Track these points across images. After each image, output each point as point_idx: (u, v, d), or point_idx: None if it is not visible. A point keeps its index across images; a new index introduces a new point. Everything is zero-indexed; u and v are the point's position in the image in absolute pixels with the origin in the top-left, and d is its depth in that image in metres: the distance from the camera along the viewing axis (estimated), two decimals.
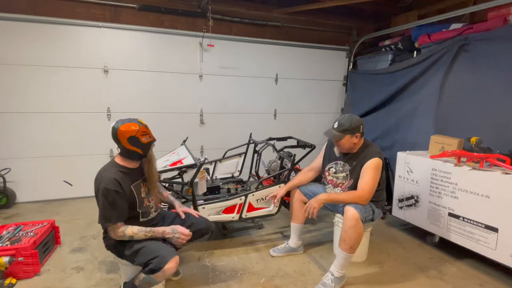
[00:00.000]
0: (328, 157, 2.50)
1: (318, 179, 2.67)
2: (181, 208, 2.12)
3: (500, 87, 2.86)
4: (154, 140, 1.87)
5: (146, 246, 1.77)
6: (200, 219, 2.09)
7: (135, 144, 1.78)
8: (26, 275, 2.18)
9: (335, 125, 2.26)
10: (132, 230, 1.77)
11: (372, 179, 2.16)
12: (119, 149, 1.82)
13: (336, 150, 2.41)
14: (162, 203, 2.29)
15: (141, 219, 1.89)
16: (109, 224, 1.74)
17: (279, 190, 2.65)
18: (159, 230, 1.84)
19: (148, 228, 1.82)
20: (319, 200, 2.20)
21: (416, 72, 3.61)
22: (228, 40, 4.24)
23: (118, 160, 1.85)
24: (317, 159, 2.62)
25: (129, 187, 1.80)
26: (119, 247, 1.83)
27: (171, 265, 1.69)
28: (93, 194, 1.82)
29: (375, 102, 4.15)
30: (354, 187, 2.27)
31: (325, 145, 2.61)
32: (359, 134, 2.25)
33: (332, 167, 2.44)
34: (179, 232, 1.87)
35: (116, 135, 1.75)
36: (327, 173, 2.48)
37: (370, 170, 2.18)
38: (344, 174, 2.35)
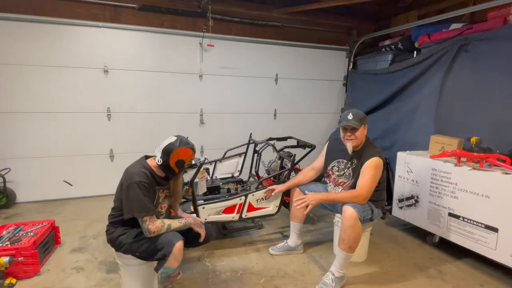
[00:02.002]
0: (331, 156, 2.50)
1: (319, 178, 2.67)
2: (184, 214, 2.15)
3: (500, 87, 2.86)
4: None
5: None
6: None
7: (179, 166, 1.85)
8: (26, 275, 2.18)
9: (350, 117, 2.21)
10: (168, 220, 1.85)
11: (371, 178, 2.16)
12: (160, 160, 1.83)
13: (349, 148, 2.29)
14: None
15: None
16: (147, 215, 1.75)
17: (279, 185, 2.62)
18: (190, 219, 1.95)
19: (180, 218, 1.93)
20: (317, 199, 2.18)
21: (416, 72, 3.61)
22: (228, 40, 4.24)
23: (151, 164, 1.88)
24: (319, 159, 2.61)
25: (154, 187, 1.86)
26: (123, 238, 1.83)
27: (178, 245, 1.72)
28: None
29: (375, 102, 4.15)
30: (354, 186, 2.27)
31: (326, 144, 2.61)
32: (367, 125, 2.29)
33: (334, 165, 2.44)
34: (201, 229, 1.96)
35: (170, 152, 1.80)
36: (330, 172, 2.47)
37: (370, 169, 2.18)
38: (346, 173, 2.35)
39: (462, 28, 3.27)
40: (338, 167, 2.41)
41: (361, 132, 2.24)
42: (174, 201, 2.06)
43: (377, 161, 2.19)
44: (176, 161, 1.82)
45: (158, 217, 1.91)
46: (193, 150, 1.87)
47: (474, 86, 3.07)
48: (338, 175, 2.41)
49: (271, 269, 2.40)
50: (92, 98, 3.76)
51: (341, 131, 2.30)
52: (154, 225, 1.75)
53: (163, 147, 1.82)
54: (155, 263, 1.88)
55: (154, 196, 1.86)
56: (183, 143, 1.83)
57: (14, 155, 3.54)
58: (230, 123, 4.46)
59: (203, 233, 1.95)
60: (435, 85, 3.34)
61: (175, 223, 1.85)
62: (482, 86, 3.00)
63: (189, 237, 1.98)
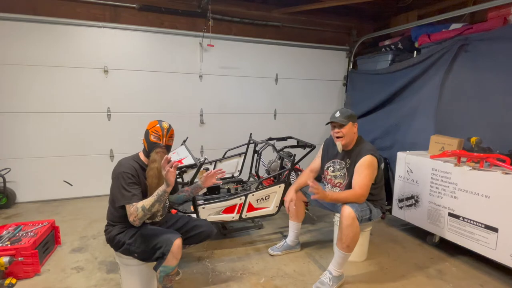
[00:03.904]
0: (326, 156, 2.52)
1: (318, 179, 2.67)
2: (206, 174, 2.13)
3: (500, 87, 2.86)
4: (161, 145, 1.86)
5: (148, 232, 1.80)
6: (202, 222, 2.08)
7: (145, 137, 1.89)
8: (26, 275, 2.18)
9: (337, 114, 2.28)
10: (141, 203, 1.73)
11: (366, 176, 2.17)
12: (143, 145, 1.90)
13: (338, 146, 2.33)
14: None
15: (146, 220, 1.93)
16: (128, 203, 1.73)
17: (290, 193, 2.49)
18: (160, 189, 1.74)
19: (153, 195, 1.77)
20: (324, 195, 2.07)
21: (416, 72, 3.61)
22: (228, 40, 4.24)
23: (140, 154, 1.94)
24: (316, 160, 2.63)
25: (143, 179, 1.86)
26: (121, 237, 1.82)
27: (177, 243, 1.72)
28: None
29: (375, 102, 4.15)
30: (350, 186, 2.29)
31: (322, 145, 2.62)
32: (356, 124, 2.30)
33: (330, 166, 2.45)
34: (168, 168, 1.70)
35: (145, 131, 1.91)
36: (325, 173, 2.49)
37: (363, 168, 2.19)
38: (341, 173, 2.37)
39: (462, 28, 3.27)
40: (333, 167, 2.43)
41: (349, 129, 2.26)
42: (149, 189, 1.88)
43: (370, 159, 2.20)
44: (144, 132, 1.89)
45: (155, 216, 1.93)
46: (159, 122, 1.89)
47: (474, 86, 3.07)
48: (333, 176, 2.42)
49: (271, 269, 2.40)
50: (92, 98, 3.76)
51: (331, 129, 2.36)
52: (130, 211, 1.72)
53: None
54: (155, 263, 1.89)
55: (143, 187, 1.85)
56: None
57: (14, 155, 3.55)
58: (230, 123, 4.46)
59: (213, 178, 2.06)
60: (435, 85, 3.34)
61: (149, 200, 1.72)
62: (482, 86, 3.00)
63: (189, 235, 1.98)
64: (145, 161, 1.90)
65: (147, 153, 1.88)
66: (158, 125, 1.87)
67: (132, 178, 1.78)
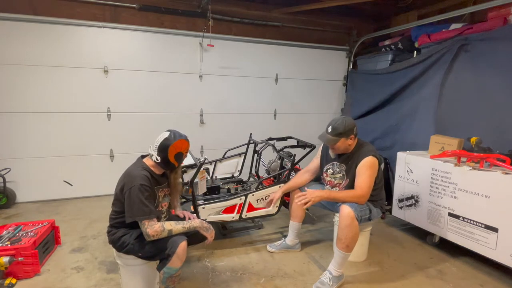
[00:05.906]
0: (325, 159, 2.52)
1: (318, 179, 2.67)
2: (186, 213, 2.14)
3: (500, 87, 2.86)
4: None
5: None
6: None
7: (178, 159, 1.87)
8: (26, 275, 2.18)
9: (329, 129, 2.27)
10: (169, 224, 1.79)
11: (369, 177, 2.17)
12: (158, 158, 1.82)
13: (331, 153, 2.44)
14: None
15: None
16: (147, 218, 1.73)
17: (275, 194, 2.64)
18: (196, 222, 1.89)
19: (184, 221, 1.87)
20: (318, 196, 2.15)
21: (416, 72, 3.61)
22: (228, 40, 4.24)
23: (149, 164, 1.88)
24: (314, 161, 2.63)
25: (153, 188, 1.85)
26: (126, 238, 1.82)
27: (182, 245, 1.72)
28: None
29: (375, 102, 4.15)
30: (350, 186, 2.29)
31: (321, 146, 2.62)
32: (353, 136, 2.27)
33: (329, 168, 2.45)
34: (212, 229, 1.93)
35: (167, 147, 1.80)
36: (325, 174, 2.49)
37: (366, 168, 2.18)
38: (340, 174, 2.37)
39: (462, 28, 3.27)
40: (333, 169, 2.43)
41: (341, 144, 2.26)
42: (173, 195, 2.04)
43: (372, 160, 2.20)
44: (175, 154, 1.83)
45: (159, 218, 1.91)
46: (188, 141, 1.90)
47: (474, 86, 3.07)
48: (333, 178, 2.42)
49: (271, 269, 2.40)
50: (92, 98, 3.76)
51: None
52: (152, 229, 1.72)
53: (159, 144, 1.81)
54: (155, 263, 1.89)
55: (154, 197, 1.86)
56: (178, 135, 1.85)
57: (14, 155, 3.54)
58: (230, 123, 4.46)
59: (210, 237, 1.93)
60: (435, 85, 3.34)
61: (177, 228, 1.79)
62: (482, 86, 3.00)
63: (188, 235, 1.97)
64: (157, 172, 1.89)
65: (175, 168, 1.92)
66: (188, 144, 1.90)
67: (149, 189, 1.78)
